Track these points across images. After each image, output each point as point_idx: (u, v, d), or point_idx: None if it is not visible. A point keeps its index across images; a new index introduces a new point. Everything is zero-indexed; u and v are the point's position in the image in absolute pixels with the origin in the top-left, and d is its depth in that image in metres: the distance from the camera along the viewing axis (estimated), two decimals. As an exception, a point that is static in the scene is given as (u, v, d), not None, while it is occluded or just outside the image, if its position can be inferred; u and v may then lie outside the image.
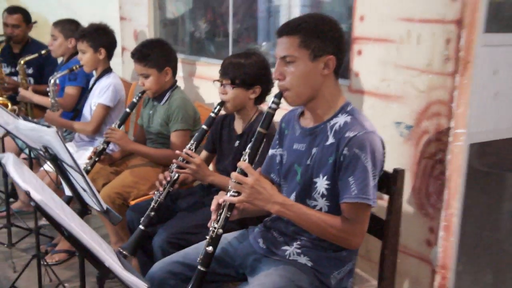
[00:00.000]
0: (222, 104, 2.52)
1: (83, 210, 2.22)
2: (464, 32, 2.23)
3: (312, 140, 1.92)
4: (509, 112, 2.58)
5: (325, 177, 1.85)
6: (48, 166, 3.28)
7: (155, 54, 2.97)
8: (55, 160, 2.11)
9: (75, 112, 3.82)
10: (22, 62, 4.10)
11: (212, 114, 2.55)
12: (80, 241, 1.46)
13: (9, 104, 4.12)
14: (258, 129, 1.89)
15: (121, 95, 3.52)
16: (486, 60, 2.30)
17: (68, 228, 1.45)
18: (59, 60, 4.19)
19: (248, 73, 2.47)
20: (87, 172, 2.96)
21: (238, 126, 2.62)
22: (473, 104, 2.30)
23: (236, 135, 2.62)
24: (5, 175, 3.67)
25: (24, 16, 4.39)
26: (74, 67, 3.53)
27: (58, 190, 2.89)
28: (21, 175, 1.59)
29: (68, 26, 3.95)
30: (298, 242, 1.94)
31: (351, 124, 1.83)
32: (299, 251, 1.94)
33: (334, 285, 1.94)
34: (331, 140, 1.85)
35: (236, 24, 3.76)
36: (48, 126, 2.01)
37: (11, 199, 4.05)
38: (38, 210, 1.47)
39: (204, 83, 3.96)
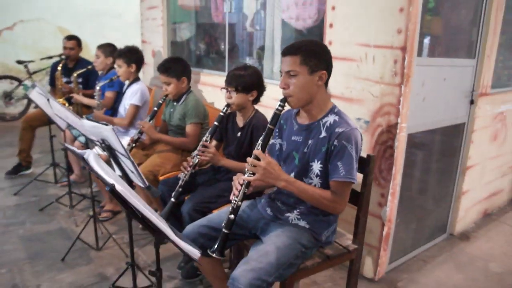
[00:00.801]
0: (228, 105, 2.39)
1: (130, 187, 2.01)
2: (407, 56, 2.16)
3: (308, 133, 1.85)
4: (432, 112, 2.61)
5: (319, 162, 1.79)
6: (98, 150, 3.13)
7: (174, 67, 2.87)
8: (110, 149, 1.96)
9: (113, 110, 3.67)
10: (75, 74, 3.97)
11: (221, 113, 2.38)
12: (147, 217, 1.29)
13: (66, 104, 3.92)
14: (268, 125, 1.80)
15: (146, 97, 3.38)
16: (418, 75, 2.33)
17: (138, 208, 1.28)
18: (99, 72, 3.97)
19: (247, 82, 2.37)
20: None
21: (240, 121, 2.51)
22: (411, 106, 2.32)
23: (238, 127, 2.51)
24: (66, 155, 3.53)
25: (77, 41, 4.22)
26: (113, 77, 3.40)
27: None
28: (102, 168, 1.40)
29: (108, 48, 3.79)
30: (298, 210, 1.89)
31: (339, 122, 1.77)
32: (298, 216, 1.88)
33: (324, 240, 1.92)
34: (323, 134, 1.79)
35: (228, 45, 3.56)
36: (106, 125, 1.83)
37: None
38: (115, 197, 1.27)
39: (205, 88, 3.81)
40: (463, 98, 2.80)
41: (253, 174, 1.71)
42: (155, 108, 2.86)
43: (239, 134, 2.47)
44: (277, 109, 1.78)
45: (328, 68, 1.78)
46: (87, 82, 4.17)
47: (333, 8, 2.48)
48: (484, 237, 3.14)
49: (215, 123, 2.39)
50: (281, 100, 1.79)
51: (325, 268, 1.90)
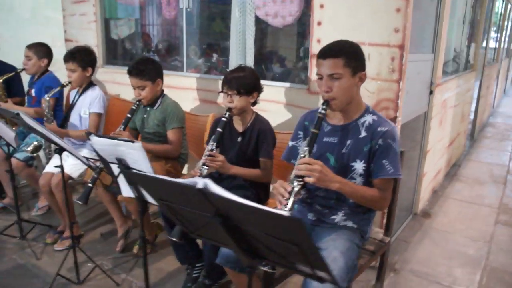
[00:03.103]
0: (229, 110, 2.24)
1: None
2: (404, 53, 2.27)
3: (345, 134, 1.84)
4: (410, 103, 2.78)
5: (362, 161, 1.80)
6: (52, 168, 2.73)
7: (148, 69, 2.60)
8: (128, 168, 1.74)
9: (61, 121, 3.09)
10: (1, 80, 3.33)
11: (224, 119, 2.24)
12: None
13: None
14: (312, 130, 1.74)
15: (106, 104, 2.96)
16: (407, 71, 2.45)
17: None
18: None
19: (248, 83, 2.28)
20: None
21: (238, 125, 2.39)
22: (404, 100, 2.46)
23: (237, 132, 2.39)
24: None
25: None
26: (64, 83, 2.93)
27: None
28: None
29: (41, 48, 3.28)
30: (342, 211, 1.88)
31: (378, 121, 1.80)
32: (345, 217, 1.88)
33: (366, 237, 1.95)
34: (363, 133, 1.80)
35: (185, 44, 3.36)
36: (132, 141, 1.61)
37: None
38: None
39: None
40: (426, 89, 3.10)
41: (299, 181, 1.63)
42: (129, 115, 2.56)
43: (239, 139, 2.36)
44: (320, 113, 1.74)
45: (365, 69, 1.80)
46: (8, 88, 3.51)
47: (322, 6, 2.51)
48: (440, 213, 3.54)
49: (219, 129, 2.24)
50: (323, 103, 1.75)
51: (371, 264, 1.96)
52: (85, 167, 2.87)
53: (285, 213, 0.98)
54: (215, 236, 1.33)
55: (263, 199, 2.39)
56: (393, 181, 1.82)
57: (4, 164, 3.24)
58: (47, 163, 3.05)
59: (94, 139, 1.72)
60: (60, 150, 2.22)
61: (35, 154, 3.03)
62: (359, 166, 1.80)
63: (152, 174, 1.27)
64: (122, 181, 1.86)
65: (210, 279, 2.31)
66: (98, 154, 1.81)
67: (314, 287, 1.54)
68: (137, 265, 2.65)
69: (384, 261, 2.06)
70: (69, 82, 2.91)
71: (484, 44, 5.47)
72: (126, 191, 1.89)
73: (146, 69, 2.57)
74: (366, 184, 1.82)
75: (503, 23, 6.92)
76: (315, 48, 2.58)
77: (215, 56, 3.68)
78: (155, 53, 3.97)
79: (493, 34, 6.47)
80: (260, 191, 2.36)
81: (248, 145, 2.33)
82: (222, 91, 2.31)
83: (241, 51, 2.97)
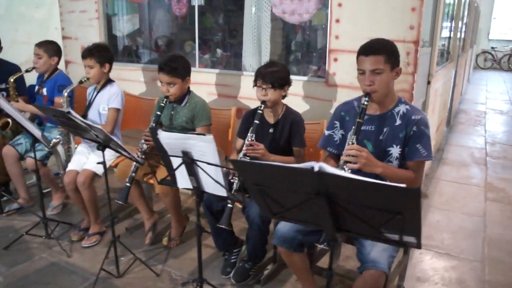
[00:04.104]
0: (264, 102, 2.42)
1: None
2: (419, 48, 2.53)
3: (382, 122, 2.07)
4: (417, 94, 3.01)
5: (398, 146, 2.04)
6: (76, 165, 2.79)
7: (180, 67, 2.69)
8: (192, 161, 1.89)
9: None
10: (12, 80, 3.29)
11: (260, 111, 2.42)
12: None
13: None
14: (358, 120, 1.95)
15: (124, 100, 3.04)
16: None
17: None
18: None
19: (281, 77, 2.45)
20: (137, 168, 2.58)
21: (269, 118, 2.56)
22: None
23: (269, 124, 2.56)
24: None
25: None
26: (82, 79, 2.95)
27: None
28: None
29: (51, 46, 3.28)
30: None
31: (412, 110, 2.04)
32: None
33: None
34: (398, 121, 2.04)
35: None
36: (204, 134, 1.76)
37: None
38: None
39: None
40: (424, 80, 3.40)
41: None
42: (158, 112, 2.67)
43: (271, 130, 2.54)
44: (363, 104, 1.95)
45: (399, 64, 2.02)
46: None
47: (340, 5, 2.72)
48: (436, 193, 3.89)
49: (256, 121, 2.42)
50: (366, 95, 1.97)
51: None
52: (109, 164, 2.96)
53: (402, 185, 1.18)
54: (301, 215, 1.51)
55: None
56: (424, 164, 2.07)
57: (17, 165, 3.25)
58: (66, 160, 3.09)
59: (162, 134, 1.84)
60: (103, 147, 2.30)
61: (52, 151, 3.05)
62: (395, 150, 2.03)
63: (259, 162, 1.42)
64: (179, 174, 1.99)
65: (250, 263, 2.49)
66: (158, 149, 1.93)
67: (373, 258, 1.77)
68: (170, 256, 2.78)
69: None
70: (87, 79, 2.97)
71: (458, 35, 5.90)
72: (183, 183, 2.03)
73: (178, 66, 2.65)
74: (400, 166, 2.06)
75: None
76: (333, 44, 2.80)
77: (219, 51, 3.81)
78: (155, 49, 4.05)
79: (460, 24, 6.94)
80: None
81: (281, 135, 2.52)
82: (255, 85, 2.48)
83: (256, 46, 3.14)
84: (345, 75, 2.79)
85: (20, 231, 3.06)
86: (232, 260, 2.58)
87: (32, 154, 3.08)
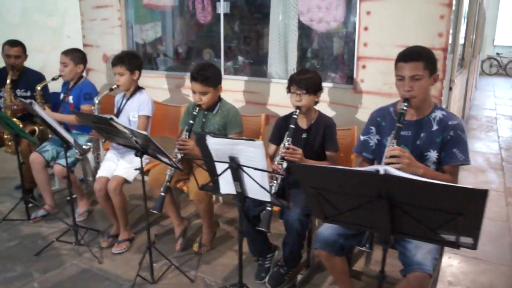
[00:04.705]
0: (298, 108, 2.50)
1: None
2: (447, 55, 2.62)
3: (419, 128, 2.14)
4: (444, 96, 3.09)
5: (435, 151, 2.11)
6: (106, 172, 2.85)
7: (213, 75, 2.76)
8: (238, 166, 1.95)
9: None
10: (39, 88, 3.39)
11: (295, 116, 2.50)
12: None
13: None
14: (397, 124, 2.02)
15: (153, 107, 3.12)
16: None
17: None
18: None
19: (315, 83, 2.53)
20: (171, 177, 2.67)
21: (302, 123, 2.63)
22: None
23: (302, 129, 2.62)
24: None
25: (23, 48, 3.61)
26: (113, 87, 3.05)
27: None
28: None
29: (77, 54, 3.37)
30: None
31: (448, 116, 2.13)
32: None
33: None
34: (435, 127, 2.11)
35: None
36: (253, 140, 1.83)
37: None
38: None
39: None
40: (448, 86, 3.48)
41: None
42: (191, 121, 2.70)
43: (304, 135, 2.60)
44: (402, 109, 2.03)
45: (437, 71, 2.11)
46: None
47: (368, 13, 2.81)
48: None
49: (292, 126, 2.48)
50: (405, 101, 2.05)
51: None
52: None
53: (470, 186, 1.25)
54: (356, 218, 1.58)
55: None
56: (459, 168, 2.13)
57: (44, 172, 3.31)
58: (95, 166, 3.15)
59: (211, 139, 1.90)
60: (142, 153, 2.37)
61: (81, 158, 3.11)
62: (432, 155, 2.11)
63: (325, 166, 1.49)
64: (223, 179, 2.06)
65: (286, 267, 2.54)
66: (204, 155, 1.99)
67: (418, 260, 1.83)
68: (202, 262, 2.83)
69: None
70: (117, 86, 3.04)
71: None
72: (226, 188, 2.09)
73: (211, 75, 2.71)
74: (437, 170, 2.13)
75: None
76: (361, 51, 2.89)
77: (240, 59, 3.89)
78: (176, 57, 4.13)
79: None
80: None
81: (315, 140, 2.58)
82: (289, 91, 2.55)
83: (282, 54, 3.22)
84: (374, 82, 2.87)
85: (48, 238, 3.12)
86: (266, 265, 2.63)
87: (60, 161, 3.16)
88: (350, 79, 3.02)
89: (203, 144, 1.94)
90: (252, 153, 1.87)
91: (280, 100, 3.24)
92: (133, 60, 3.00)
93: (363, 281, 2.47)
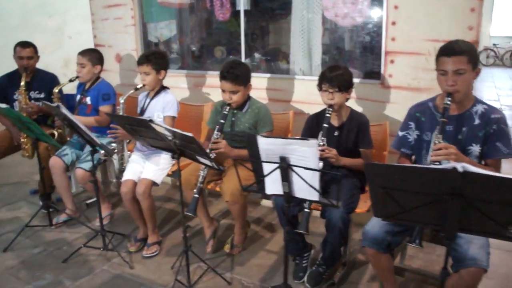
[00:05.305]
0: (331, 106, 2.50)
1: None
2: (478, 49, 2.65)
3: (460, 122, 2.16)
4: None
5: (478, 145, 2.13)
6: (132, 175, 2.83)
7: (243, 74, 2.75)
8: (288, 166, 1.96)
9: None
10: (56, 90, 3.38)
11: (328, 115, 2.48)
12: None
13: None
14: (441, 119, 2.05)
15: (179, 108, 3.10)
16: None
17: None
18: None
19: (347, 80, 2.53)
20: (205, 178, 2.66)
21: (334, 120, 2.63)
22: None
23: (333, 127, 2.61)
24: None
25: (35, 49, 3.54)
26: (138, 87, 3.01)
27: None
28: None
29: (94, 55, 3.34)
30: None
31: (490, 109, 2.14)
32: None
33: None
34: (477, 121, 2.13)
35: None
36: (307, 139, 1.84)
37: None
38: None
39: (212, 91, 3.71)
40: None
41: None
42: (222, 121, 2.69)
43: (336, 133, 2.60)
44: (446, 104, 2.05)
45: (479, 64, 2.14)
46: (50, 96, 3.50)
47: (396, 7, 2.82)
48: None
49: (325, 125, 2.48)
50: (448, 95, 2.06)
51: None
52: (166, 172, 3.01)
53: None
54: (421, 216, 1.59)
55: (363, 186, 2.67)
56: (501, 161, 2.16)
57: (64, 176, 3.27)
58: (119, 169, 3.12)
59: (262, 140, 1.90)
60: (179, 155, 2.35)
61: (103, 159, 3.09)
62: (475, 149, 2.13)
63: (399, 164, 1.50)
64: (269, 180, 2.05)
65: (324, 266, 2.56)
66: (252, 155, 1.99)
67: (473, 255, 1.86)
68: (235, 263, 2.83)
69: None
70: (143, 85, 3.01)
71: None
72: (272, 189, 2.09)
73: (241, 74, 2.70)
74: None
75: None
76: (389, 46, 2.90)
77: (257, 55, 3.88)
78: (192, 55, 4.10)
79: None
80: (362, 178, 2.63)
81: (347, 137, 2.58)
82: (320, 89, 2.55)
83: (306, 50, 3.22)
84: (403, 76, 2.89)
85: (73, 243, 3.10)
86: (304, 265, 2.64)
87: (81, 165, 3.13)
88: (376, 74, 3.03)
89: (254, 144, 1.93)
90: (305, 153, 1.87)
91: (305, 97, 3.24)
92: (159, 60, 2.97)
93: (405, 277, 2.49)
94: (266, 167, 2.01)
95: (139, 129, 2.39)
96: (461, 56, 2.03)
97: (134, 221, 3.11)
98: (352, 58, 3.21)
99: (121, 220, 3.47)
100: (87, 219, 3.44)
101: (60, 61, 5.97)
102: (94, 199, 3.63)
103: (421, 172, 1.39)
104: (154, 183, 2.90)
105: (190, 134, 2.10)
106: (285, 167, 1.94)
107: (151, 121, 2.19)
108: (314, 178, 1.93)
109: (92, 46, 4.04)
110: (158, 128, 2.22)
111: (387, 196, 1.54)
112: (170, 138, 2.23)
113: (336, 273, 2.63)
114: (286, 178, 1.98)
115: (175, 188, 4.10)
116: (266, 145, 1.92)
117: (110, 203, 3.54)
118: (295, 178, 1.97)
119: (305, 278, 2.58)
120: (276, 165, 1.94)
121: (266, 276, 2.69)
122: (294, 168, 1.92)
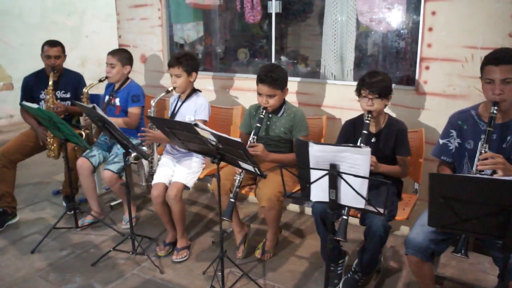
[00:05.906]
0: (370, 112, 2.51)
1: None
2: None
3: (504, 131, 2.17)
4: None
5: None
6: (163, 178, 2.85)
7: (281, 78, 2.75)
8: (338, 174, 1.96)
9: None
10: (86, 90, 3.40)
11: (367, 121, 2.49)
12: None
13: None
14: (487, 128, 2.07)
15: (210, 111, 3.12)
16: None
17: None
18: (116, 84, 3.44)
19: (386, 86, 2.53)
20: (241, 183, 2.69)
21: (371, 127, 2.63)
22: None
23: (371, 134, 2.62)
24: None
25: (62, 48, 3.56)
26: (169, 89, 3.03)
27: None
28: None
29: (124, 55, 3.35)
30: None
31: None
32: None
33: None
34: None
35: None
36: (360, 146, 1.84)
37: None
38: None
39: (241, 94, 3.73)
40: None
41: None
42: (258, 125, 2.71)
43: (373, 139, 2.61)
44: (493, 113, 2.06)
45: None
46: (76, 96, 3.54)
47: (433, 13, 2.83)
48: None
49: (364, 131, 2.49)
50: (494, 104, 2.07)
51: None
52: (198, 175, 3.02)
53: None
54: (477, 226, 1.60)
55: (400, 193, 2.68)
56: None
57: (91, 177, 3.28)
58: (149, 172, 3.13)
59: (315, 146, 1.90)
60: (219, 159, 2.36)
61: (135, 162, 3.09)
62: None
63: (464, 175, 1.51)
64: (315, 186, 2.06)
65: (361, 274, 2.56)
66: (300, 161, 1.99)
67: None
68: (268, 269, 2.83)
69: None
70: (174, 88, 3.01)
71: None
72: (317, 196, 2.09)
73: (279, 77, 2.70)
74: None
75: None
76: (425, 52, 2.91)
77: (283, 59, 3.89)
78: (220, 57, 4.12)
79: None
80: (399, 185, 2.65)
81: (385, 144, 2.59)
82: (360, 95, 2.56)
83: (338, 54, 3.24)
84: (438, 83, 2.89)
85: (100, 246, 3.11)
86: (339, 271, 2.65)
87: (109, 167, 3.13)
88: (411, 81, 3.04)
89: (304, 150, 1.94)
90: (358, 160, 1.86)
91: (336, 102, 3.25)
92: (190, 61, 2.97)
93: (444, 286, 2.50)
94: (314, 174, 2.02)
95: (178, 132, 2.41)
96: (509, 64, 2.04)
97: (161, 225, 3.12)
98: (386, 64, 3.22)
99: (146, 223, 3.48)
100: (112, 221, 3.45)
101: (77, 61, 6.01)
102: (119, 201, 3.67)
103: (486, 183, 1.40)
104: (185, 187, 2.91)
105: (238, 140, 2.11)
106: (335, 175, 1.95)
107: (196, 125, 2.19)
108: (363, 186, 1.93)
109: (116, 46, 4.06)
110: (202, 132, 2.23)
111: (446, 206, 1.56)
112: (213, 142, 2.24)
113: (371, 281, 2.65)
114: (333, 185, 1.99)
115: (199, 191, 4.11)
116: (317, 152, 1.92)
117: (135, 206, 3.55)
118: (343, 186, 1.98)
119: (340, 285, 2.59)
120: (325, 172, 1.95)
121: (299, 283, 2.69)
122: (344, 176, 1.94)
